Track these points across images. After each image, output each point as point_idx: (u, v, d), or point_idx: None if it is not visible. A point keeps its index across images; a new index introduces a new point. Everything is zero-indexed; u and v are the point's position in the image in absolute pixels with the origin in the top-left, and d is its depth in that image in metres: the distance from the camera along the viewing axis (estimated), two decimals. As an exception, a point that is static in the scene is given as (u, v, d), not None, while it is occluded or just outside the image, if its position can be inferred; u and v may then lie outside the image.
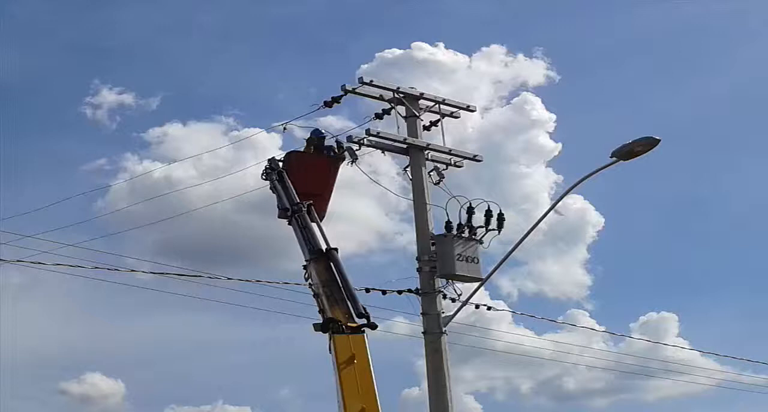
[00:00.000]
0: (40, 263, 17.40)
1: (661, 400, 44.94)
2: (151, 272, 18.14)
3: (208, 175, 28.17)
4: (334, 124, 19.40)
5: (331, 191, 18.54)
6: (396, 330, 20.25)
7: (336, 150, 18.51)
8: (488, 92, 42.29)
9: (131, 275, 18.33)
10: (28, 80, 53.18)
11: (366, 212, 39.30)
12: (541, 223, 18.04)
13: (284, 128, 19.07)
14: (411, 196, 18.63)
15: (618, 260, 52.01)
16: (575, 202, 41.48)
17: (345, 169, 18.65)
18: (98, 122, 50.47)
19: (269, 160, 18.66)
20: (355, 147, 18.24)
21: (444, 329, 17.62)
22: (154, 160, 45.66)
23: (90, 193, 33.18)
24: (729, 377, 30.09)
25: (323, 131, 18.71)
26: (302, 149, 18.92)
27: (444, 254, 18.00)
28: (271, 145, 29.19)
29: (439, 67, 37.63)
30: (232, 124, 47.19)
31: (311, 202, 17.26)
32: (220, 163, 31.28)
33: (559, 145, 41.63)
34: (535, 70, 46.56)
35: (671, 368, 29.92)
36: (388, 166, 19.63)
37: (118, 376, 42.65)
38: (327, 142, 18.79)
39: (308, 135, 19.04)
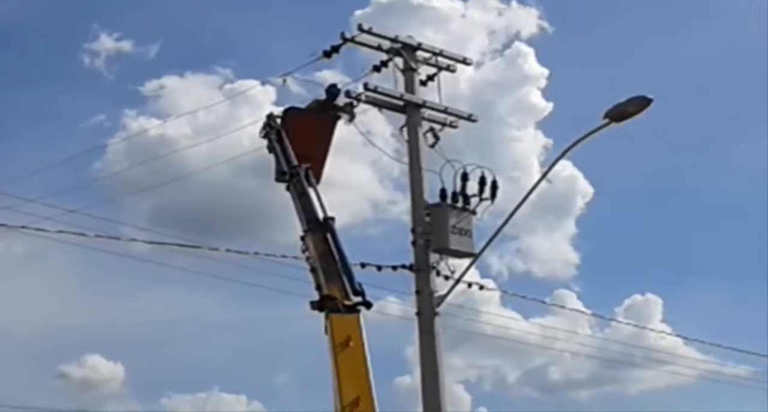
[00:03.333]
0: (42, 229, 16.85)
1: (645, 393, 45.04)
2: (151, 242, 17.43)
3: (203, 132, 28.21)
4: (329, 78, 18.60)
5: (328, 153, 17.69)
6: (386, 311, 19.61)
7: (335, 107, 17.61)
8: (482, 43, 41.51)
9: (128, 246, 17.68)
10: (23, 23, 51.86)
11: (360, 177, 38.68)
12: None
13: (284, 81, 18.42)
14: (406, 160, 17.97)
15: (605, 236, 51.12)
16: (564, 168, 40.28)
17: (338, 130, 17.97)
18: (96, 72, 49.94)
19: (267, 116, 17.89)
20: (352, 103, 17.55)
21: (437, 309, 16.94)
22: (150, 117, 44.90)
23: (87, 153, 32.87)
24: (711, 368, 30.02)
25: (338, 88, 17.78)
26: (304, 106, 18.01)
27: (438, 226, 17.33)
28: (264, 100, 28.38)
29: (434, 14, 36.88)
30: (229, 76, 46.75)
31: (309, 165, 16.44)
32: (215, 119, 30.77)
33: (551, 105, 40.91)
34: (529, 20, 45.94)
35: (654, 357, 29.85)
36: (382, 127, 18.98)
37: (117, 358, 41.97)
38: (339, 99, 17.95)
39: (304, 89, 18.38)
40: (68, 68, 51.98)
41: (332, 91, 17.82)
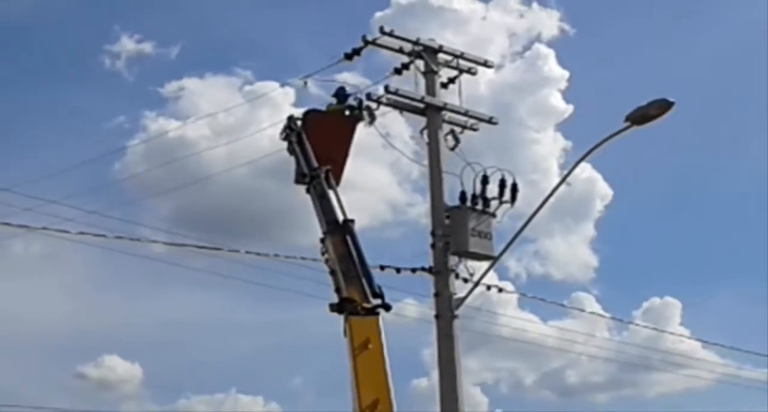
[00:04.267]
0: (64, 231, 17.01)
1: (662, 396, 44.88)
2: (172, 244, 17.58)
3: (223, 134, 28.55)
4: (349, 80, 18.68)
5: (348, 155, 17.75)
6: (404, 313, 19.70)
7: (356, 109, 17.67)
8: (502, 45, 41.54)
9: (147, 247, 17.77)
10: (44, 24, 51.80)
11: (379, 179, 38.62)
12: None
13: (305, 83, 18.53)
14: (425, 162, 18.04)
15: (625, 239, 51.05)
16: (583, 171, 40.12)
17: (358, 132, 18.05)
18: (117, 73, 49.70)
19: (288, 118, 17.95)
20: (373, 106, 17.65)
21: (456, 312, 16.99)
22: (169, 118, 44.96)
23: (107, 155, 32.35)
24: (729, 372, 30.00)
25: (347, 90, 17.87)
26: (324, 108, 18.08)
27: (458, 229, 17.38)
28: (284, 101, 28.53)
29: (454, 16, 36.85)
30: (250, 77, 46.65)
31: (329, 167, 16.50)
32: (235, 121, 31.42)
33: (571, 107, 40.75)
34: (550, 21, 45.78)
35: (672, 361, 29.82)
36: (401, 129, 19.01)
37: (135, 359, 41.76)
38: (349, 101, 17.99)
39: (324, 91, 18.43)
40: (89, 69, 51.99)
41: (340, 93, 17.96)
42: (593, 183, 43.11)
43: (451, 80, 18.87)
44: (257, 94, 29.71)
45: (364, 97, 17.82)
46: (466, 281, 17.43)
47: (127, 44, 49.69)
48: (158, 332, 41.12)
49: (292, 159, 17.72)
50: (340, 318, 14.06)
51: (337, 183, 16.81)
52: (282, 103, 29.24)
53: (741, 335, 38.68)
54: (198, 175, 23.70)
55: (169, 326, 41.42)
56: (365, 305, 14.14)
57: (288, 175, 17.78)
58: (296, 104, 24.63)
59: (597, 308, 32.58)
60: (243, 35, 53.96)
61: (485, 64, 19.42)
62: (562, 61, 42.59)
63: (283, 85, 21.46)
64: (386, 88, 17.73)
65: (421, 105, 18.12)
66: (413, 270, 17.34)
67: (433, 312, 17.27)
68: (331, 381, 34.65)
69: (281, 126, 18.09)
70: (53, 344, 38.89)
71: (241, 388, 41.11)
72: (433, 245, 17.46)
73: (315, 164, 16.80)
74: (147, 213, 29.36)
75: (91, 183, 22.49)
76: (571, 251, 44.97)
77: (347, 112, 17.94)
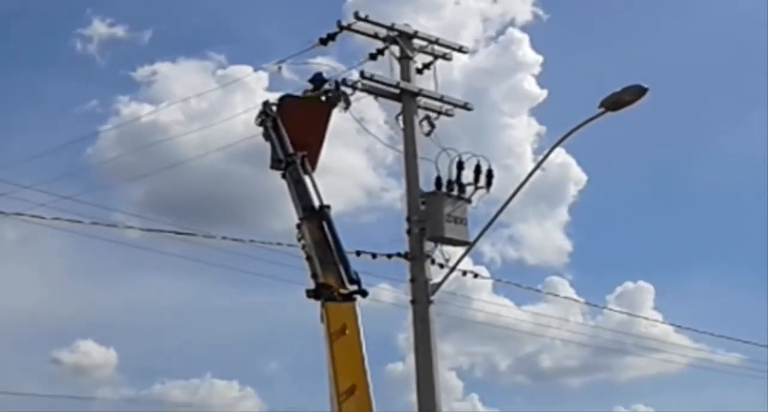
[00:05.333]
0: (38, 216, 16.98)
1: (635, 380, 45.28)
2: (148, 229, 17.45)
3: (196, 118, 28.32)
4: (324, 65, 18.67)
5: (324, 141, 17.75)
6: (379, 298, 19.74)
7: (332, 93, 17.65)
8: (476, 30, 41.48)
9: (121, 232, 17.67)
10: (15, 8, 50.93)
11: (353, 165, 39.00)
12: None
13: (279, 68, 18.63)
14: (400, 147, 18.09)
15: (598, 224, 51.65)
16: (557, 156, 40.17)
17: (333, 117, 18.00)
18: (89, 57, 49.73)
19: (263, 103, 17.93)
20: (348, 91, 17.62)
21: (432, 297, 17.06)
22: (142, 102, 44.61)
23: (80, 140, 32.85)
24: (702, 356, 30.23)
25: (325, 75, 17.85)
26: (298, 93, 18.07)
27: (433, 214, 17.44)
28: (257, 86, 28.49)
29: (428, 1, 36.85)
30: (223, 62, 46.70)
31: (305, 153, 16.51)
32: (208, 105, 31.05)
33: (545, 92, 40.98)
34: (523, 6, 46.11)
35: (645, 345, 30.03)
36: (375, 114, 19.06)
37: (110, 344, 41.93)
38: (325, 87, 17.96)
39: (299, 76, 18.45)
40: (60, 53, 51.97)
41: (317, 79, 17.93)
42: (567, 168, 43.40)
43: (426, 66, 18.88)
44: (230, 78, 29.88)
45: (339, 83, 17.75)
46: (441, 266, 17.49)
47: (99, 28, 49.55)
48: (133, 317, 41.07)
49: (266, 144, 17.66)
50: (316, 304, 14.07)
51: (313, 169, 16.81)
52: (255, 88, 29.14)
53: (713, 319, 38.78)
54: (172, 161, 23.54)
55: (144, 311, 41.44)
56: (342, 290, 14.16)
57: (262, 160, 17.75)
58: (270, 89, 24.69)
59: (571, 292, 32.66)
60: (216, 19, 53.78)
61: (460, 49, 19.46)
62: (536, 46, 42.90)
63: (256, 69, 21.44)
64: (361, 74, 17.70)
65: (396, 91, 18.13)
66: (389, 256, 17.38)
67: (408, 297, 17.34)
68: (307, 366, 34.63)
69: (256, 111, 18.07)
70: (27, 329, 38.82)
71: (217, 373, 41.33)
72: (408, 231, 17.51)
73: (291, 150, 16.78)
74: (120, 198, 29.17)
75: (64, 168, 22.43)
76: (546, 236, 45.21)
77: (323, 98, 17.93)
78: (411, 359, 17.18)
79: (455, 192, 17.74)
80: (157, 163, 23.70)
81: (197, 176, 31.65)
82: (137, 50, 50.70)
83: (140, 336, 41.07)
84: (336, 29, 17.97)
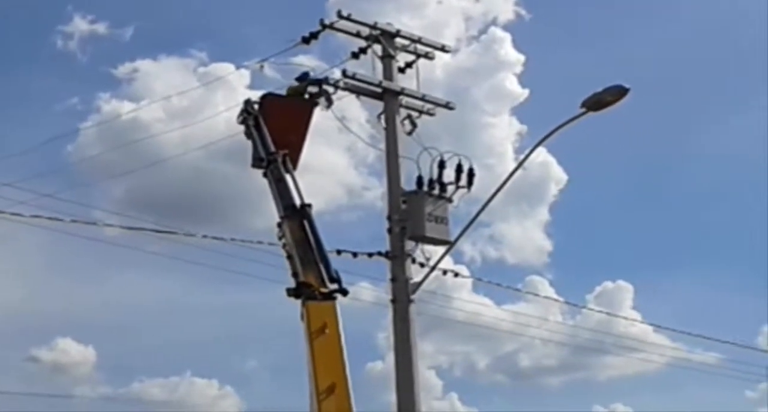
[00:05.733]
0: (17, 214, 16.87)
1: (613, 380, 45.43)
2: (128, 228, 17.40)
3: (177, 116, 28.59)
4: (306, 63, 18.69)
5: (306, 139, 17.75)
6: (358, 297, 19.75)
7: (317, 91, 17.67)
8: (458, 29, 41.39)
9: (100, 230, 17.65)
10: None
11: (334, 163, 38.96)
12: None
13: (261, 67, 18.68)
14: (382, 146, 18.16)
15: (578, 224, 51.74)
16: (538, 155, 39.85)
17: (315, 115, 18.01)
18: (70, 54, 49.53)
19: (245, 102, 17.90)
20: (330, 90, 17.67)
21: (412, 296, 17.09)
22: (123, 100, 44.38)
23: (61, 137, 32.87)
24: (680, 355, 30.37)
25: (312, 75, 17.86)
26: (280, 92, 18.10)
27: (414, 213, 17.48)
28: (239, 84, 28.51)
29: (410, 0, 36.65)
30: (205, 59, 46.77)
31: (286, 152, 16.50)
32: (189, 103, 31.23)
33: (526, 92, 41.02)
34: (505, 5, 46.08)
35: (624, 344, 30.13)
36: (357, 112, 19.08)
37: (89, 342, 41.88)
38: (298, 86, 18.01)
39: (281, 75, 18.46)
40: (41, 50, 51.56)
41: (303, 78, 17.94)
42: (548, 167, 43.30)
43: (409, 65, 18.96)
44: (212, 76, 29.70)
45: (322, 81, 17.78)
46: (422, 265, 17.56)
47: (81, 25, 49.40)
48: (112, 315, 41.09)
49: (248, 143, 17.63)
50: (296, 303, 14.00)
51: (295, 167, 16.76)
52: (237, 86, 29.17)
53: (692, 319, 39.02)
54: (152, 158, 23.54)
55: (123, 309, 41.27)
56: (322, 289, 14.06)
57: (244, 158, 17.74)
58: (251, 87, 24.69)
59: (551, 292, 32.75)
60: (198, 17, 53.74)
61: (443, 48, 19.54)
62: (518, 46, 43.05)
63: (238, 67, 21.44)
64: (344, 73, 17.77)
65: (379, 89, 18.19)
66: (370, 255, 17.43)
67: (388, 296, 17.40)
68: (287, 365, 34.65)
69: (238, 109, 18.04)
70: (5, 327, 38.72)
71: (196, 371, 41.37)
72: (389, 230, 17.56)
73: (272, 148, 16.72)
74: (101, 196, 29.03)
75: (44, 166, 22.36)
76: (526, 236, 45.24)
77: (306, 96, 17.92)
78: (391, 357, 17.30)
79: (436, 191, 17.82)
80: (137, 161, 23.64)
81: (178, 174, 31.65)
82: (118, 47, 50.57)
83: (119, 334, 41.04)
84: (319, 28, 18.04)
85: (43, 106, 48.93)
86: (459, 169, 18.01)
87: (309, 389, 13.43)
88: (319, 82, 17.72)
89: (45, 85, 49.98)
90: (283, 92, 18.11)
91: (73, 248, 32.16)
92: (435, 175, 17.85)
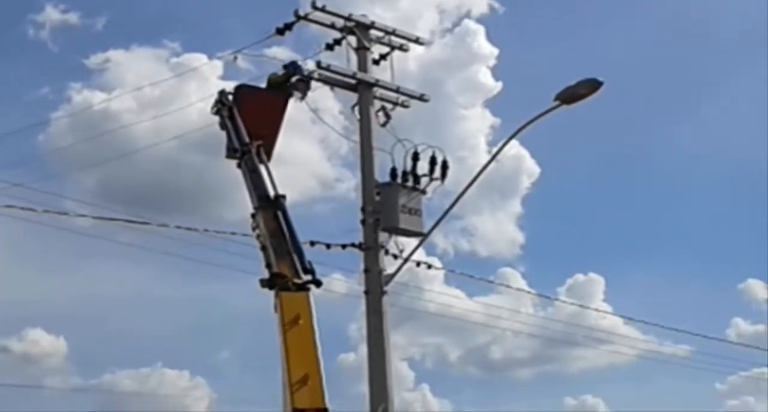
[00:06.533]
0: None
1: (584, 372, 45.66)
2: (101, 218, 17.31)
3: (149, 106, 28.56)
4: (279, 54, 18.67)
5: (280, 131, 17.75)
6: (331, 288, 19.76)
7: (300, 81, 17.69)
8: (432, 21, 41.47)
9: (72, 220, 17.56)
10: None
11: (308, 154, 39.19)
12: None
13: (235, 58, 18.51)
14: (356, 138, 18.13)
15: (550, 217, 51.75)
16: (511, 148, 40.07)
17: (289, 107, 18.00)
18: (41, 43, 49.54)
19: (219, 93, 17.86)
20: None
21: (385, 288, 17.13)
22: (95, 90, 44.46)
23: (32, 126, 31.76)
24: (650, 347, 30.56)
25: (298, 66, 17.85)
26: (253, 83, 18.11)
27: (388, 205, 17.50)
28: (211, 75, 28.39)
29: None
30: (177, 50, 46.92)
31: (261, 143, 16.50)
32: (161, 93, 31.20)
33: (500, 85, 41.11)
34: (479, -1, 45.71)
35: (595, 337, 30.29)
36: (330, 104, 19.08)
37: (59, 333, 41.72)
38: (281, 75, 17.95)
39: (254, 66, 18.45)
40: (12, 39, 51.28)
41: (291, 68, 17.90)
42: (521, 160, 43.49)
43: (383, 57, 18.93)
44: (184, 66, 29.81)
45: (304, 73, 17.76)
46: (395, 257, 17.57)
47: (52, 14, 49.35)
48: (83, 305, 40.96)
49: (221, 133, 17.61)
50: (270, 293, 14.07)
51: (269, 158, 16.78)
52: (210, 76, 29.17)
53: (662, 311, 39.16)
54: (125, 149, 23.49)
55: (94, 299, 41.15)
56: (296, 280, 14.15)
57: (217, 149, 17.72)
58: (224, 78, 24.65)
59: (522, 284, 32.89)
60: (171, 7, 53.64)
61: (417, 41, 19.51)
62: (491, 38, 42.96)
63: (211, 58, 21.39)
64: (318, 64, 17.73)
65: (353, 81, 18.18)
66: (343, 246, 17.42)
67: (361, 288, 17.39)
68: (259, 356, 34.67)
69: (212, 100, 18.01)
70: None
71: (168, 362, 41.18)
72: (363, 221, 17.57)
73: (246, 139, 16.74)
74: (72, 186, 28.91)
75: (15, 156, 22.30)
76: (498, 228, 45.50)
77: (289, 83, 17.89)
78: (363, 349, 17.31)
79: (410, 183, 17.83)
80: (109, 152, 23.59)
81: (150, 165, 31.56)
82: (90, 37, 50.61)
83: (90, 325, 41.04)
84: (293, 19, 17.99)
85: (14, 96, 48.76)
86: (433, 162, 18.01)
87: (282, 379, 13.48)
88: (306, 75, 17.70)
89: (16, 75, 49.66)
90: (257, 83, 18.15)
91: (44, 238, 31.97)
92: (409, 167, 17.86)
